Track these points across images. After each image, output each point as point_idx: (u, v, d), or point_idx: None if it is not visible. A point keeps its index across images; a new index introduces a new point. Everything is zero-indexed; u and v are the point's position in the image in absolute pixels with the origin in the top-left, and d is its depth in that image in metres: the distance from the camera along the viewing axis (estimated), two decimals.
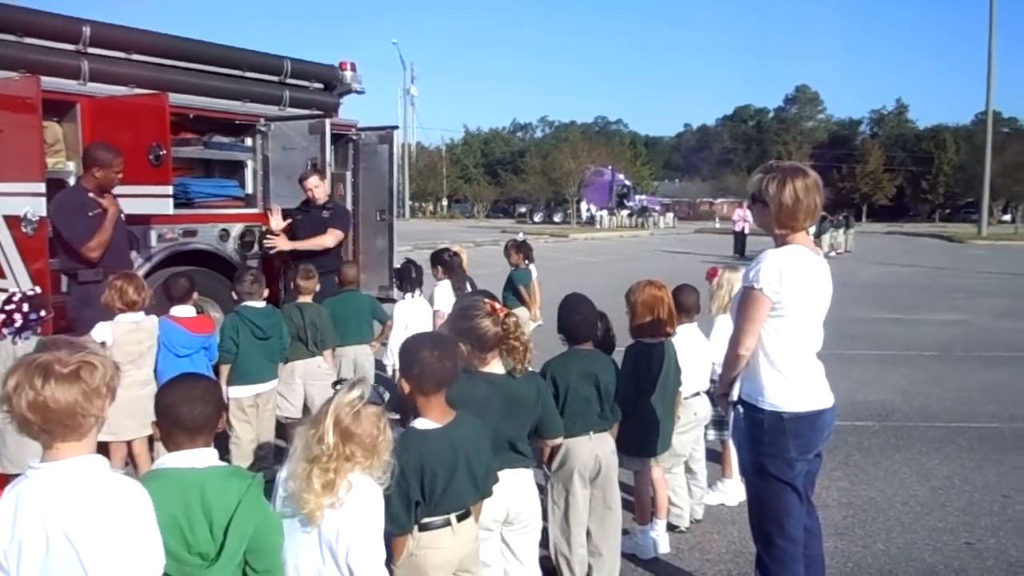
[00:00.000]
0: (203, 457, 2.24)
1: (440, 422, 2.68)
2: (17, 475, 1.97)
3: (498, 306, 3.18)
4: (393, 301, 7.02)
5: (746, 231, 26.02)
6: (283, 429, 5.58)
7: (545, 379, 3.61)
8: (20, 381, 1.80)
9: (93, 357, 1.89)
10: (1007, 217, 54.13)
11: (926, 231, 46.70)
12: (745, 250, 25.09)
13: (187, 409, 2.24)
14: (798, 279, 3.06)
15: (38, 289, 4.42)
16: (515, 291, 7.74)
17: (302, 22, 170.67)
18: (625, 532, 4.09)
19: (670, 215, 56.08)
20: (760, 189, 3.13)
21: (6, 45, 5.68)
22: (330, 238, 6.82)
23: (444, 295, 6.39)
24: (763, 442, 3.12)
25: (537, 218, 55.28)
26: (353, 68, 8.49)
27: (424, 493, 2.58)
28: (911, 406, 7.52)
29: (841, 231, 29.30)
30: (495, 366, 3.13)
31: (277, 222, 6.90)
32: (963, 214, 61.15)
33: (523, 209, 59.77)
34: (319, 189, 6.81)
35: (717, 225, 52.55)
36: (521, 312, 7.57)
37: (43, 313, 4.19)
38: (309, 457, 2.29)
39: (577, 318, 3.82)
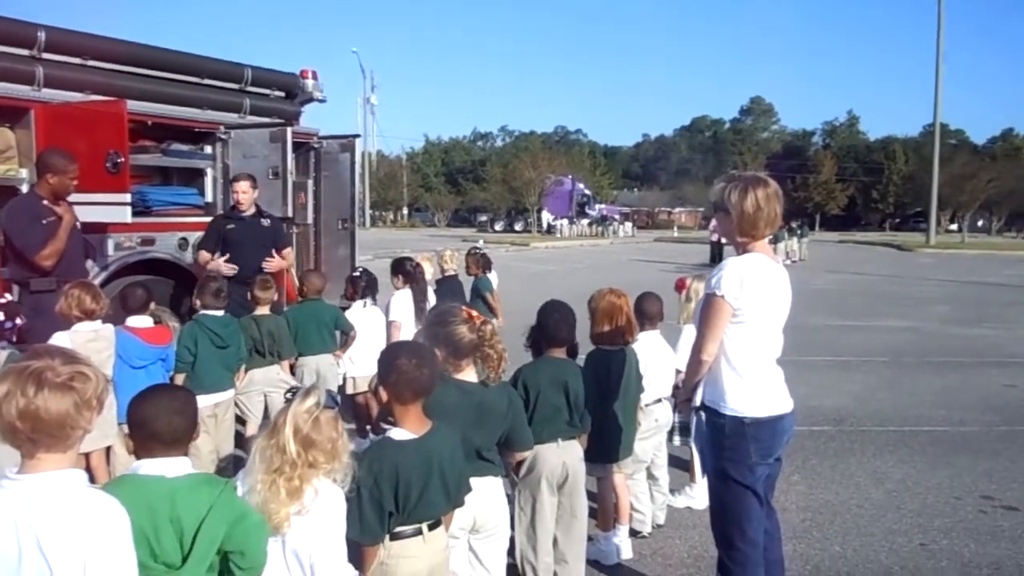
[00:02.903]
0: (177, 466, 2.21)
1: (416, 432, 2.68)
2: None
3: (475, 313, 3.19)
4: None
5: (723, 240, 26.20)
6: (241, 439, 5.52)
7: (516, 384, 3.64)
8: (11, 388, 1.76)
9: (86, 368, 1.86)
10: (954, 226, 55.72)
11: (877, 240, 47.83)
12: (721, 258, 25.32)
13: (166, 422, 2.20)
14: (758, 286, 3.13)
15: (8, 296, 4.31)
16: (483, 299, 7.73)
17: (262, 30, 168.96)
18: (588, 538, 4.11)
19: (629, 224, 56.57)
20: (722, 198, 3.20)
21: None
22: (289, 259, 6.81)
23: (401, 305, 6.35)
24: (724, 447, 3.18)
25: (498, 227, 55.43)
26: (314, 76, 8.46)
27: (397, 503, 2.58)
28: (865, 411, 7.69)
29: (796, 239, 29.87)
30: (468, 374, 3.14)
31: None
32: (912, 223, 62.83)
33: (484, 218, 59.85)
34: (245, 196, 6.38)
35: (675, 234, 53.19)
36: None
37: (18, 321, 4.10)
38: (271, 469, 2.29)
39: (555, 316, 3.85)
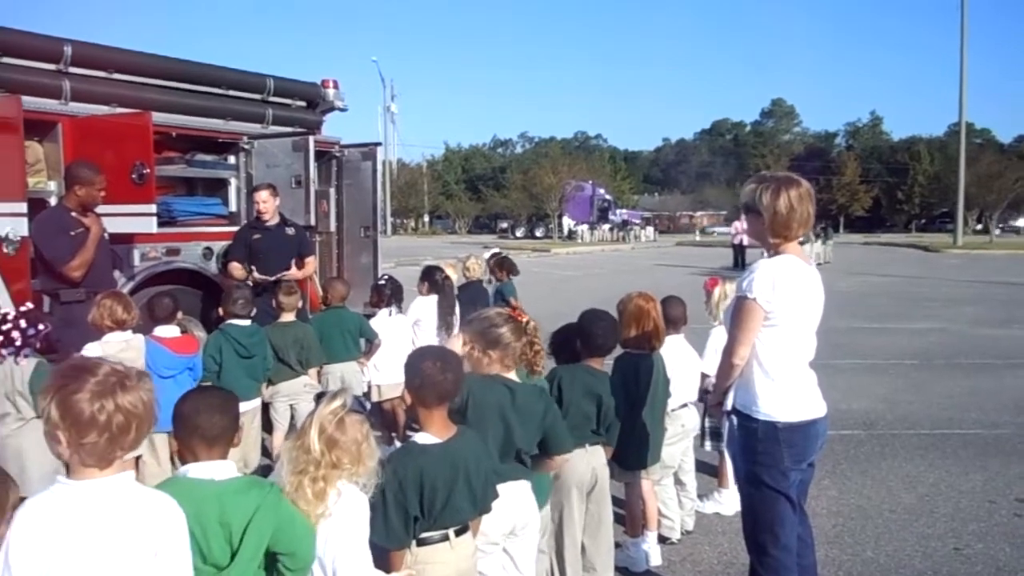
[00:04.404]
0: (223, 469, 2.25)
1: (441, 437, 2.68)
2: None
3: (518, 310, 3.22)
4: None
5: (744, 243, 26.08)
6: (265, 449, 5.54)
7: (552, 384, 3.64)
8: (103, 403, 1.78)
9: (136, 368, 1.94)
10: (981, 226, 54.86)
11: (903, 241, 47.20)
12: (745, 262, 25.20)
13: (207, 418, 2.26)
14: (791, 289, 3.09)
15: (30, 304, 4.34)
16: (507, 304, 7.73)
17: (283, 40, 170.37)
18: (617, 545, 4.08)
19: (651, 228, 56.31)
20: (754, 199, 3.15)
21: None
22: (311, 267, 6.89)
23: (421, 310, 6.38)
24: (757, 451, 3.13)
25: (519, 233, 55.41)
26: (335, 86, 8.51)
27: (423, 508, 2.58)
28: (895, 414, 7.58)
29: (820, 242, 29.57)
30: (511, 374, 3.16)
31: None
32: (938, 224, 61.85)
33: (505, 224, 59.84)
34: (266, 205, 6.42)
35: (697, 238, 52.88)
36: None
37: (40, 327, 4.12)
38: (297, 470, 2.31)
39: (602, 324, 3.85)
